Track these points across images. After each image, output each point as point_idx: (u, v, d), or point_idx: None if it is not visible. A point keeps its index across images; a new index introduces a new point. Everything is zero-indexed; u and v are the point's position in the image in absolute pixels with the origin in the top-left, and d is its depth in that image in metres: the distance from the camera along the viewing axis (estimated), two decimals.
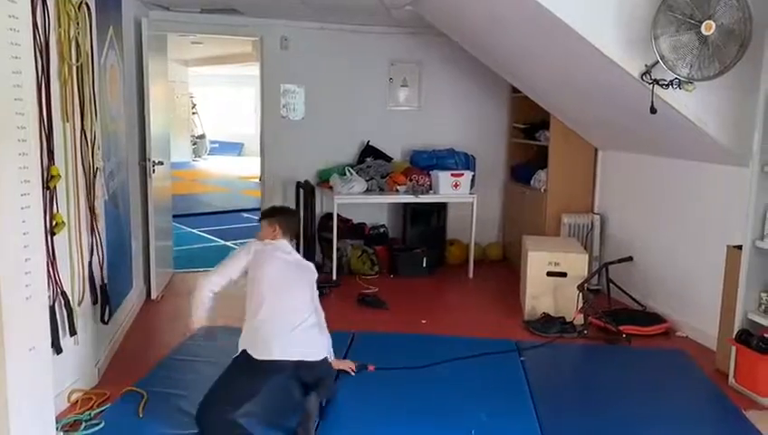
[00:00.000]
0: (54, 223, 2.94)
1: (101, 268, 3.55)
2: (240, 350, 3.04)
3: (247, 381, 2.98)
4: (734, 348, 3.64)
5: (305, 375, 3.15)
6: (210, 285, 3.17)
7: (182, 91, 14.85)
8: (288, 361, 3.02)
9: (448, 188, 5.83)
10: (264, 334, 3.03)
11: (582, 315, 4.46)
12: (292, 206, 6.09)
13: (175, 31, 6.01)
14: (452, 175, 5.84)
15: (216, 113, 17.62)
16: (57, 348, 2.99)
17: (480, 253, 6.46)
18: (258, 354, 2.98)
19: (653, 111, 3.71)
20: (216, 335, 4.04)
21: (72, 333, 3.19)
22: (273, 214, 3.41)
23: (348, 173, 5.87)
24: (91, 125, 3.37)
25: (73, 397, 3.24)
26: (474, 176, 6.02)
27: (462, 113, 6.57)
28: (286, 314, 3.08)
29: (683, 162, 4.57)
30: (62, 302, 3.09)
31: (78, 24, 3.14)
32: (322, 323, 3.32)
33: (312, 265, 3.42)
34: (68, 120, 3.10)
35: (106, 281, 3.60)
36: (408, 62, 6.40)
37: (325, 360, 3.24)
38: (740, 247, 3.65)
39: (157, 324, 4.61)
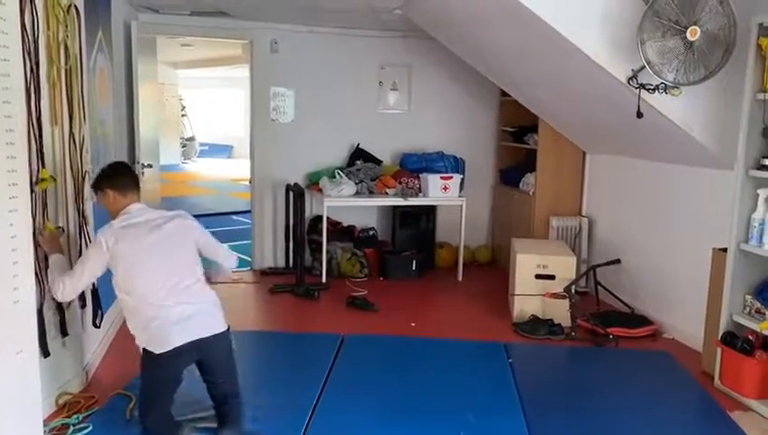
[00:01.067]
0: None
1: None
2: (141, 349, 2.86)
3: (164, 377, 2.85)
4: (719, 350, 3.68)
5: (208, 357, 2.91)
6: (61, 295, 2.88)
7: (171, 94, 14.78)
8: (187, 343, 2.79)
9: (438, 191, 5.85)
10: (156, 329, 2.79)
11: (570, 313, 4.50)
12: (283, 209, 6.11)
13: (164, 34, 6.00)
14: (441, 178, 5.87)
15: (205, 115, 17.56)
16: (45, 351, 2.98)
17: (469, 256, 6.48)
18: (157, 349, 2.78)
19: (640, 115, 3.76)
20: None
21: (64, 334, 3.18)
22: (99, 182, 3.01)
23: (337, 176, 5.88)
24: (80, 128, 3.36)
25: (61, 400, 3.22)
26: (463, 179, 6.05)
27: (451, 117, 6.60)
28: (171, 297, 2.82)
29: (670, 166, 4.61)
30: (55, 305, 3.08)
31: (67, 26, 3.14)
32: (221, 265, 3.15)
33: (179, 212, 3.07)
34: (56, 124, 3.09)
35: (96, 285, 3.58)
36: (397, 66, 6.42)
37: (225, 336, 2.95)
38: (725, 250, 3.70)
39: None
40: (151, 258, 2.85)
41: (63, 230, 3.09)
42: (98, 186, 3.02)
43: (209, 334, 2.88)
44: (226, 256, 3.29)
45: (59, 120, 3.11)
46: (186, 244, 3.01)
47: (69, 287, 2.88)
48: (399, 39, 6.27)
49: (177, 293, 2.86)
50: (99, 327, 3.62)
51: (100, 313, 3.59)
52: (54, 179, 2.94)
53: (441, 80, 6.49)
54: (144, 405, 2.89)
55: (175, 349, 2.78)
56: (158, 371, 2.86)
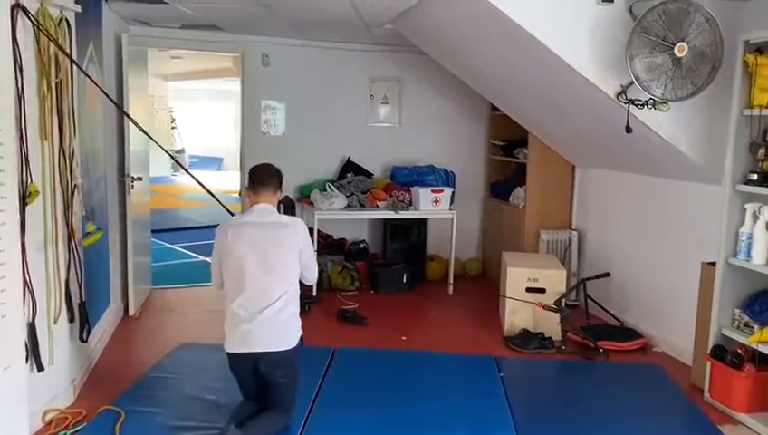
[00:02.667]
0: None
1: (80, 286, 3.50)
2: None
3: (232, 369, 3.06)
4: (708, 363, 3.70)
5: (263, 369, 2.99)
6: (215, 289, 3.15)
7: (161, 106, 14.76)
8: (249, 353, 2.95)
9: (428, 204, 5.86)
10: (230, 325, 2.98)
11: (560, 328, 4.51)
12: None
13: (155, 46, 6.00)
14: (432, 191, 5.88)
15: (195, 128, 17.52)
16: (39, 365, 2.97)
17: (460, 268, 6.49)
18: (227, 347, 2.99)
19: (629, 130, 3.79)
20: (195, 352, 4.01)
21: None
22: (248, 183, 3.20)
23: (328, 189, 5.88)
24: (70, 141, 3.34)
25: (48, 416, 3.19)
26: (453, 192, 6.06)
27: (442, 130, 6.63)
28: (252, 300, 2.93)
29: (659, 180, 4.65)
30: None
31: (57, 39, 3.13)
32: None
33: (293, 222, 3.14)
34: (46, 138, 3.08)
35: (84, 299, 3.55)
36: (388, 80, 6.45)
37: (290, 353, 3.01)
38: (714, 264, 3.72)
39: (134, 342, 4.56)
40: (245, 254, 2.95)
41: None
42: (247, 186, 3.22)
43: (267, 350, 2.96)
44: (312, 272, 3.27)
45: (49, 133, 3.10)
46: (285, 248, 3.05)
47: (213, 282, 3.13)
48: (390, 53, 6.31)
49: (256, 301, 2.94)
50: (86, 342, 3.59)
51: (87, 327, 3.56)
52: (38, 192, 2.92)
53: (432, 94, 6.53)
54: None
55: (235, 353, 2.98)
56: (229, 362, 3.04)
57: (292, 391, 3.13)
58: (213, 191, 3.71)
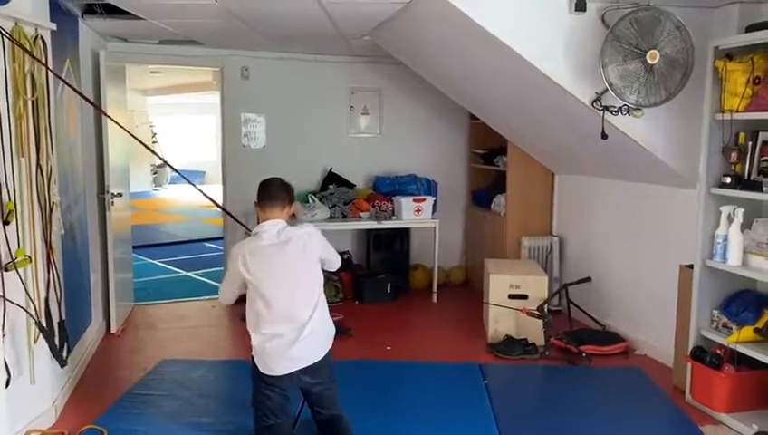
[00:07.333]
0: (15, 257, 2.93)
1: (59, 304, 3.47)
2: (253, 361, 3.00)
3: (268, 393, 2.98)
4: (689, 365, 3.74)
5: (308, 380, 3.02)
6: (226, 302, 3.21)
7: (141, 121, 14.68)
8: (293, 372, 2.94)
9: (411, 214, 5.89)
10: (267, 353, 2.92)
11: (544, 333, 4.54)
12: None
13: (134, 62, 5.98)
14: (414, 200, 5.91)
15: (177, 142, 17.45)
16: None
17: (443, 277, 6.51)
18: (265, 370, 2.94)
19: (604, 136, 3.84)
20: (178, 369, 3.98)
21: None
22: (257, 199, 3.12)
23: (311, 200, 5.89)
24: (47, 159, 3.32)
25: None
26: (435, 201, 6.09)
27: (422, 140, 6.67)
28: (289, 320, 2.92)
29: (637, 185, 4.71)
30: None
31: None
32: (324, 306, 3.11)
33: (304, 233, 3.04)
34: (23, 155, 3.06)
35: (64, 317, 3.52)
36: (368, 91, 6.49)
37: (328, 356, 3.06)
38: (692, 266, 3.77)
39: (117, 359, 4.52)
40: (269, 277, 2.92)
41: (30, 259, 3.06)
42: (256, 202, 3.14)
43: (311, 363, 2.96)
44: (335, 263, 3.27)
45: (26, 151, 3.08)
46: (308, 264, 3.03)
47: (222, 299, 3.22)
48: (369, 64, 6.35)
49: (291, 320, 2.93)
50: (65, 361, 3.54)
51: (66, 346, 3.52)
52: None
53: (411, 104, 6.57)
54: (257, 424, 3.03)
55: (279, 376, 2.93)
56: (262, 385, 2.98)
57: (336, 389, 3.15)
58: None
